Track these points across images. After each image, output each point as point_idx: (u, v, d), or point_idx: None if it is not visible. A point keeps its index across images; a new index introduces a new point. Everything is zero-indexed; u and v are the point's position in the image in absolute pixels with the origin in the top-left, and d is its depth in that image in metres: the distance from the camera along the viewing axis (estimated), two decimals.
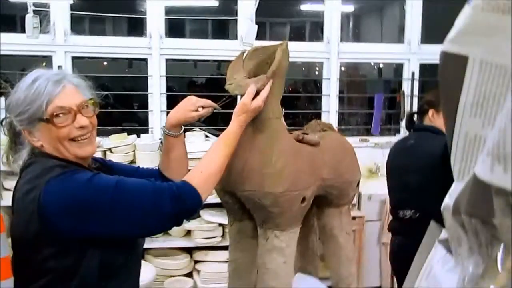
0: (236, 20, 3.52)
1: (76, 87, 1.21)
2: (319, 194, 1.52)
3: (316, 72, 4.59)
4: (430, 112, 2.11)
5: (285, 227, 1.39)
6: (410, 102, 3.76)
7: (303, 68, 5.09)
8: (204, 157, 1.28)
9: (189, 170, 1.32)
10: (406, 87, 3.77)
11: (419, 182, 1.99)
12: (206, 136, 3.33)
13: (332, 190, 1.53)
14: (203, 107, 1.41)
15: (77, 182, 1.09)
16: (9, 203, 1.25)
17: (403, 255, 1.80)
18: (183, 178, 1.21)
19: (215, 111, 1.45)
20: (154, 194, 1.13)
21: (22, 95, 1.14)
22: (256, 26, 3.15)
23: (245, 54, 1.51)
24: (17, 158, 1.21)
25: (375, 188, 3.38)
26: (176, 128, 1.42)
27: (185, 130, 1.50)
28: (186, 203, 1.15)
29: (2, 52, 3.33)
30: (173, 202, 1.13)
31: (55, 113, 1.14)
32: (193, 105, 1.41)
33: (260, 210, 1.38)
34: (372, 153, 3.61)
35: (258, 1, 3.16)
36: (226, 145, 1.28)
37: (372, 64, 4.63)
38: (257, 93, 1.34)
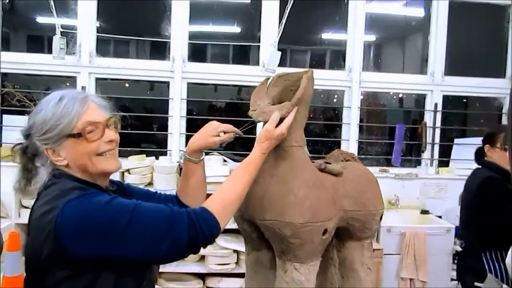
0: (257, 46, 3.55)
1: (98, 105, 1.22)
2: (341, 226, 1.47)
3: (335, 100, 4.57)
4: (486, 147, 2.38)
5: (305, 259, 1.34)
6: (432, 133, 3.70)
7: (322, 95, 5.07)
8: (224, 184, 1.25)
9: (208, 195, 1.30)
10: (428, 118, 3.72)
11: (464, 215, 2.50)
12: (224, 161, 3.31)
13: (354, 222, 1.48)
14: (224, 132, 1.39)
15: (95, 205, 1.07)
16: (26, 221, 1.24)
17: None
18: (202, 204, 1.18)
19: (236, 136, 1.42)
20: (170, 219, 1.10)
21: (50, 113, 1.14)
22: (279, 52, 3.16)
23: (269, 81, 1.50)
24: (37, 181, 1.18)
25: (394, 221, 3.30)
26: (197, 153, 1.41)
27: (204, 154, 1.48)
28: (203, 230, 1.12)
29: (29, 72, 3.42)
30: (190, 228, 1.10)
31: (85, 128, 1.15)
32: (215, 130, 1.40)
33: (280, 240, 1.34)
34: (392, 185, 3.54)
35: (282, 28, 3.18)
36: (247, 172, 1.26)
37: (391, 93, 4.59)
38: (281, 120, 1.32)
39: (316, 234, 1.33)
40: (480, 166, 2.46)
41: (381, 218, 1.57)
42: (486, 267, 2.29)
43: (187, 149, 1.42)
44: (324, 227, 1.34)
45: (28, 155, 1.19)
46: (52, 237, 1.05)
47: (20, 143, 1.20)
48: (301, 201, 1.31)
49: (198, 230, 1.11)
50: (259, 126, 1.36)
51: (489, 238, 2.31)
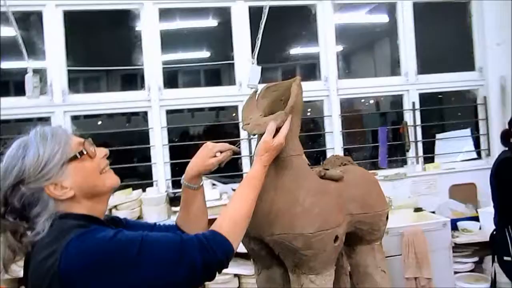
0: (228, 67, 3.55)
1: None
2: (349, 231, 1.44)
3: (308, 114, 4.59)
4: None
5: (320, 270, 1.30)
6: (414, 132, 3.74)
7: None
8: (230, 203, 1.20)
9: (210, 220, 1.25)
10: (408, 117, 3.76)
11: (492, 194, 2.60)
12: (213, 184, 3.25)
13: (362, 225, 1.45)
14: (220, 152, 1.35)
15: (100, 241, 1.00)
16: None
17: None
18: (211, 227, 1.13)
19: (234, 153, 1.39)
20: (181, 246, 1.04)
21: (40, 150, 1.07)
22: (260, 67, 3.17)
23: (257, 93, 1.47)
24: (36, 234, 1.05)
25: (391, 222, 3.20)
26: (195, 179, 1.36)
27: None
28: (216, 254, 1.06)
29: (1, 117, 3.30)
30: (203, 253, 1.04)
31: (82, 146, 1.11)
32: (210, 151, 1.35)
33: (292, 254, 1.29)
34: (382, 186, 3.47)
35: (259, 44, 3.20)
36: (251, 187, 1.22)
37: (364, 99, 4.65)
38: (277, 131, 1.29)
39: (328, 242, 1.29)
40: (506, 148, 2.60)
41: (387, 217, 1.55)
42: (509, 242, 2.44)
43: (185, 176, 1.37)
44: (335, 234, 1.31)
45: (11, 218, 1.06)
46: (57, 280, 0.96)
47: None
48: (308, 211, 1.28)
49: (211, 254, 1.05)
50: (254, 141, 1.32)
51: (509, 215, 2.48)
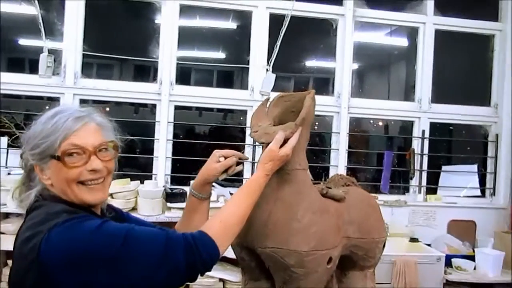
0: (242, 71, 3.54)
1: (99, 126, 1.12)
2: (343, 254, 1.40)
3: (316, 127, 4.56)
4: None
5: None
6: (420, 160, 3.69)
7: None
8: (224, 206, 1.17)
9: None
10: (416, 145, 3.72)
11: None
12: (212, 186, 3.21)
13: (357, 250, 1.41)
14: (225, 158, 1.32)
15: (83, 231, 0.96)
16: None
17: None
18: (201, 228, 1.10)
19: (242, 161, 1.36)
20: (166, 244, 1.01)
21: (39, 128, 1.06)
22: (274, 75, 3.15)
23: (269, 101, 1.44)
24: (25, 197, 1.10)
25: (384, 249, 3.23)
26: (202, 187, 1.33)
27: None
28: (201, 255, 1.03)
29: (11, 92, 3.30)
30: (187, 254, 1.02)
31: (67, 151, 1.05)
32: (214, 156, 1.33)
33: (282, 270, 1.26)
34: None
35: (276, 51, 3.19)
36: (249, 194, 1.18)
37: (373, 121, 4.62)
38: (285, 142, 1.26)
39: (321, 263, 1.25)
40: None
41: (384, 245, 1.51)
42: None
43: (193, 184, 1.35)
44: (330, 255, 1.27)
45: (28, 166, 1.11)
46: (36, 266, 0.94)
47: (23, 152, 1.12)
48: (306, 228, 1.24)
49: (196, 255, 1.02)
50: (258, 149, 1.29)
51: None
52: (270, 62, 3.34)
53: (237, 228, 1.14)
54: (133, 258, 0.97)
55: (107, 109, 4.85)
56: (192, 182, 1.38)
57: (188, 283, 1.09)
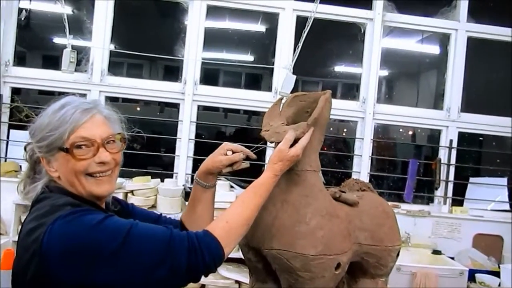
0: (270, 74, 3.52)
1: (106, 119, 1.12)
2: (354, 261, 1.36)
3: (344, 134, 4.50)
4: None
5: None
6: (447, 171, 3.58)
7: (331, 128, 5.02)
8: (231, 206, 1.14)
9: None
10: (442, 154, 3.61)
11: None
12: (231, 187, 3.21)
13: (369, 257, 1.37)
14: (232, 152, 1.30)
15: (85, 225, 0.96)
16: None
17: None
18: (206, 228, 1.07)
19: (249, 161, 1.32)
20: (169, 242, 0.99)
21: (47, 120, 1.07)
22: (294, 76, 3.12)
23: (283, 101, 1.42)
24: (31, 189, 1.10)
25: (405, 259, 3.15)
26: (207, 177, 1.31)
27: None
28: (204, 256, 1.01)
29: (40, 88, 3.40)
30: (190, 254, 0.99)
31: (76, 144, 1.05)
32: (222, 149, 1.31)
33: (288, 273, 1.23)
34: (403, 221, 3.38)
35: (298, 52, 3.16)
36: (256, 195, 1.15)
37: (402, 129, 4.52)
38: (296, 142, 1.23)
39: (328, 268, 1.22)
40: None
41: (397, 254, 1.46)
42: None
43: (197, 172, 1.33)
44: (337, 261, 1.23)
45: (33, 158, 1.12)
46: (38, 257, 0.94)
47: (30, 143, 1.13)
48: (313, 231, 1.21)
49: (199, 256, 1.00)
50: (269, 150, 1.26)
51: None
52: (292, 64, 3.31)
53: (244, 229, 1.11)
54: (133, 255, 0.96)
55: (138, 108, 4.95)
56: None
57: (194, 283, 1.07)
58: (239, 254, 2.87)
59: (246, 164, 1.32)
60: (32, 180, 1.12)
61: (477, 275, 3.13)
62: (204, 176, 1.32)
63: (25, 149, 1.14)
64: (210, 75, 4.45)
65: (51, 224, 0.95)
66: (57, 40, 4.21)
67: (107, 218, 0.99)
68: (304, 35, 3.19)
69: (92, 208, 1.04)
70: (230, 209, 1.13)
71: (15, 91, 3.44)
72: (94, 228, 0.95)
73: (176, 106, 3.53)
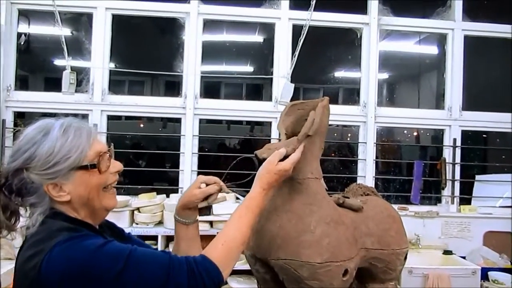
0: (270, 83, 3.53)
1: (96, 135, 1.14)
2: (362, 267, 1.35)
3: (348, 139, 4.49)
4: None
5: None
6: (452, 170, 3.56)
7: (335, 134, 5.03)
8: (225, 227, 1.13)
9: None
10: (447, 154, 3.59)
11: None
12: (237, 198, 3.20)
13: (377, 262, 1.36)
14: (206, 185, 1.27)
15: (85, 249, 0.95)
16: None
17: None
18: (202, 252, 1.07)
19: (224, 192, 1.30)
20: (169, 267, 0.99)
21: (57, 145, 1.04)
22: (293, 85, 3.13)
23: (283, 110, 1.43)
24: (33, 222, 1.05)
25: (416, 262, 3.11)
26: (186, 212, 1.29)
27: None
28: (204, 281, 1.00)
29: (42, 110, 3.43)
30: (190, 279, 0.99)
31: (96, 159, 1.07)
32: (197, 181, 1.29)
33: (296, 283, 1.22)
34: (411, 223, 3.39)
35: (295, 60, 3.18)
36: (248, 211, 1.14)
37: (406, 131, 4.52)
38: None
39: (336, 275, 1.21)
40: None
41: (405, 257, 1.45)
42: None
43: (175, 209, 1.31)
44: (344, 268, 1.23)
45: (6, 193, 1.05)
46: (36, 285, 0.93)
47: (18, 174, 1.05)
48: (318, 239, 1.21)
49: (198, 280, 1.00)
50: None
51: None
52: (289, 72, 3.33)
53: (240, 249, 1.11)
54: (134, 279, 0.95)
55: (141, 125, 4.98)
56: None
57: None
58: (248, 266, 2.88)
59: (223, 197, 1.29)
60: (31, 213, 1.08)
61: (490, 273, 3.09)
62: (182, 212, 1.29)
63: (4, 187, 1.06)
64: (211, 88, 4.48)
65: (49, 251, 0.94)
66: (58, 62, 4.26)
67: (106, 243, 0.98)
68: (300, 43, 3.21)
69: (90, 233, 1.03)
70: (225, 230, 1.11)
71: (18, 115, 3.47)
72: (95, 253, 0.94)
73: (178, 120, 3.55)
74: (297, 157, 1.22)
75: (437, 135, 3.98)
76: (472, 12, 3.63)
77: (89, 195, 1.08)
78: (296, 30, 3.46)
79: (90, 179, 1.07)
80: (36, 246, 0.97)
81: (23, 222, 1.09)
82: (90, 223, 1.10)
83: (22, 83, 3.63)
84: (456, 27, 3.62)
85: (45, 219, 1.05)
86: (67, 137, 1.05)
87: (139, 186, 3.40)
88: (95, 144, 1.09)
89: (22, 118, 3.50)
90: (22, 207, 1.07)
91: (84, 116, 3.40)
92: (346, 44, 3.95)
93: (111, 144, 1.16)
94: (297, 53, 3.20)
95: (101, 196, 1.09)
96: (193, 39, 3.44)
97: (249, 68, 5.19)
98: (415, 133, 4.70)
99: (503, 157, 3.90)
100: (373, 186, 3.48)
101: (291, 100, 3.12)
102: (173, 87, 4.68)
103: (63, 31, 3.24)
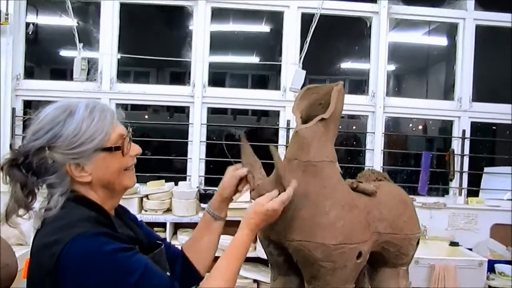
0: (276, 74, 3.53)
1: (117, 118, 1.14)
2: (374, 251, 1.35)
3: (354, 127, 4.48)
4: None
5: (338, 285, 1.22)
6: (461, 161, 3.55)
7: (340, 126, 5.03)
8: (212, 273, 1.09)
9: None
10: (456, 145, 3.58)
11: None
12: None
13: (389, 246, 1.36)
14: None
15: (106, 252, 0.94)
16: None
17: None
18: None
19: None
20: None
21: (83, 126, 1.03)
22: (304, 71, 3.12)
23: (297, 94, 1.42)
24: (55, 203, 1.03)
25: (422, 252, 3.11)
26: (220, 206, 1.31)
27: None
28: None
29: (50, 99, 3.43)
30: None
31: (119, 141, 1.08)
32: (227, 172, 1.31)
33: (310, 264, 1.23)
34: (419, 214, 3.31)
35: (306, 47, 3.17)
36: (236, 257, 1.12)
37: (413, 122, 4.49)
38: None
39: (350, 257, 1.21)
40: None
41: (417, 243, 1.45)
42: None
43: (211, 201, 1.32)
44: (358, 250, 1.23)
45: (24, 171, 1.03)
46: (53, 276, 0.93)
47: (14, 159, 1.03)
48: (333, 222, 1.21)
49: None
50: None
51: None
52: (301, 59, 3.32)
53: None
54: None
55: (146, 116, 4.99)
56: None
57: None
58: (256, 254, 2.89)
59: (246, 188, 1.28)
60: (49, 194, 1.07)
61: (497, 266, 3.09)
62: (218, 205, 1.31)
63: (1, 169, 1.04)
64: (217, 78, 4.47)
65: (69, 243, 0.93)
66: (64, 53, 4.26)
67: (123, 250, 0.97)
68: (312, 30, 3.19)
69: (109, 231, 1.00)
70: (212, 278, 1.09)
71: (27, 104, 3.48)
72: (114, 258, 0.95)
73: (184, 111, 3.55)
74: (287, 197, 1.17)
75: (445, 127, 3.96)
76: (484, 1, 3.59)
77: (109, 177, 1.08)
78: (304, 19, 3.45)
79: (112, 161, 1.08)
80: (55, 234, 0.96)
81: (39, 203, 1.08)
82: (107, 210, 1.10)
83: (29, 74, 3.63)
84: (468, 17, 3.59)
85: (66, 202, 1.04)
86: (92, 118, 1.05)
87: (148, 174, 3.42)
88: (117, 127, 1.10)
89: (31, 108, 3.51)
90: (36, 187, 1.06)
91: None
92: (354, 34, 3.93)
93: (130, 127, 1.16)
94: (308, 39, 3.19)
95: (122, 178, 1.10)
96: (201, 27, 3.43)
97: (255, 59, 5.17)
98: (420, 127, 4.67)
99: None
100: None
101: (301, 88, 3.12)
102: (178, 78, 4.68)
103: (73, 21, 3.24)
